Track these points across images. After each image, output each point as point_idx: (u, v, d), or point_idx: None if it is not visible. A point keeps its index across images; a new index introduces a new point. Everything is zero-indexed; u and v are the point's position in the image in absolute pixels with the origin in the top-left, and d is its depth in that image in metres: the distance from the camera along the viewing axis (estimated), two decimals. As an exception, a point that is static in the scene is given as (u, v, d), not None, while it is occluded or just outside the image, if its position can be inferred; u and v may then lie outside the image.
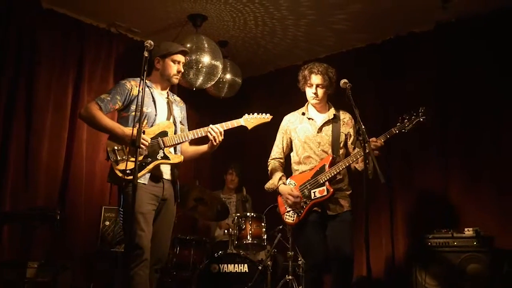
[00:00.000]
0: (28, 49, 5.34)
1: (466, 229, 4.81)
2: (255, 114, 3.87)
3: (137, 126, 3.22)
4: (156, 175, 3.64)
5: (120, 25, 6.12)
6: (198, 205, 5.36)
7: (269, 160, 4.38)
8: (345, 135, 4.18)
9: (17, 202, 4.99)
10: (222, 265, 4.95)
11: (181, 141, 3.72)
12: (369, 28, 6.01)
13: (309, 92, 4.14)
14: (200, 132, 3.72)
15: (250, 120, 3.83)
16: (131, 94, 3.68)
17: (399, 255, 5.52)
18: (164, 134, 3.66)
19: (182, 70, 3.87)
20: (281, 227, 5.32)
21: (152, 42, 3.44)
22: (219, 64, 5.85)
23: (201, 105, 7.00)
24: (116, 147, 3.57)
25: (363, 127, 3.52)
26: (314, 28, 6.06)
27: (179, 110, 3.98)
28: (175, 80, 3.86)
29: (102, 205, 5.43)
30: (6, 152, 5.08)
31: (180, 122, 3.95)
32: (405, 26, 5.91)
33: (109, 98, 3.65)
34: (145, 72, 3.33)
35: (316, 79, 4.09)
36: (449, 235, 4.82)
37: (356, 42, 6.39)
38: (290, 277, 4.91)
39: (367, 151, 3.48)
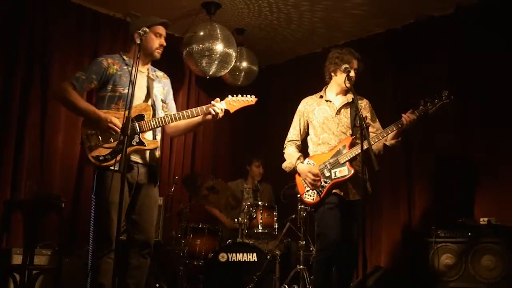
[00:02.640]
0: (41, 40, 5.40)
1: (481, 219, 4.66)
2: (239, 96, 3.70)
3: (126, 112, 3.06)
4: (131, 161, 3.49)
5: (135, 15, 6.12)
6: (209, 194, 5.36)
7: (285, 142, 4.35)
8: (354, 118, 4.11)
9: (32, 191, 5.06)
10: (231, 254, 4.94)
11: (158, 125, 3.55)
12: (387, 13, 5.84)
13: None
14: (182, 114, 3.56)
15: (232, 103, 3.67)
16: (108, 73, 3.54)
17: (414, 245, 5.37)
18: (140, 117, 3.50)
19: (165, 44, 3.69)
20: (293, 216, 5.29)
21: (146, 29, 3.37)
22: (232, 52, 5.81)
23: (220, 94, 6.98)
24: (90, 132, 3.45)
25: (360, 113, 3.47)
26: (330, 14, 5.93)
27: (161, 87, 3.81)
28: (158, 54, 3.67)
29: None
30: (22, 141, 5.16)
31: (162, 100, 3.78)
32: (424, 9, 5.71)
33: (84, 77, 3.51)
34: (138, 60, 3.22)
35: (356, 64, 4.08)
36: (463, 224, 4.69)
37: (375, 27, 6.22)
38: (301, 266, 4.89)
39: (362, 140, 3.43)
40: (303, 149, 4.33)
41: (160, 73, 3.89)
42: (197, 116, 3.61)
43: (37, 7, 5.39)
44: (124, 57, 3.70)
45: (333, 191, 3.95)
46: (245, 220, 5.23)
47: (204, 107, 3.60)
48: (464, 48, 5.46)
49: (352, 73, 4.01)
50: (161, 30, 3.68)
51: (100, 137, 3.43)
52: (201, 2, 5.81)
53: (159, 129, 3.69)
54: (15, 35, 5.24)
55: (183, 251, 5.22)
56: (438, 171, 5.50)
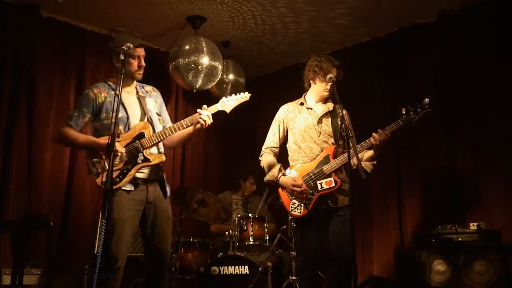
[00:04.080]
0: (27, 58, 5.40)
1: (471, 224, 4.68)
2: (233, 95, 3.77)
3: (113, 131, 3.15)
4: (138, 178, 3.57)
5: (121, 31, 6.13)
6: (200, 207, 5.34)
7: (263, 149, 4.23)
8: (340, 127, 4.07)
9: (20, 210, 5.03)
10: (223, 267, 4.90)
11: (160, 139, 3.61)
12: (371, 22, 5.90)
13: (326, 85, 4.02)
14: (177, 126, 3.62)
15: (227, 103, 3.72)
16: (98, 102, 3.61)
17: (407, 252, 5.39)
18: (141, 136, 3.58)
19: (144, 65, 3.70)
20: (284, 227, 5.28)
21: (130, 45, 3.40)
22: (218, 65, 5.82)
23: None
24: (94, 160, 3.52)
25: (346, 122, 3.48)
26: (315, 25, 5.98)
27: (153, 101, 3.85)
28: (138, 76, 3.70)
29: (101, 211, 5.38)
30: (9, 161, 5.14)
31: (157, 113, 3.83)
32: (407, 17, 5.77)
33: (77, 114, 3.60)
34: (122, 75, 3.27)
35: (335, 72, 4.00)
36: (453, 230, 4.69)
37: (360, 36, 6.28)
38: (293, 277, 4.84)
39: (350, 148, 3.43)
40: (280, 156, 4.23)
41: (149, 88, 3.93)
42: (187, 127, 3.65)
43: (22, 28, 5.39)
44: (109, 82, 3.73)
45: (319, 206, 3.89)
46: (236, 233, 5.21)
47: (191, 117, 3.64)
48: (448, 53, 5.52)
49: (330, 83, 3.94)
50: (138, 51, 3.66)
51: (106, 162, 3.45)
52: (186, 16, 5.84)
53: (161, 143, 3.76)
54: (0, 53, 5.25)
55: (174, 265, 5.17)
56: (426, 178, 5.52)
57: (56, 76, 5.66)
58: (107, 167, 3.39)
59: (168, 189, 3.78)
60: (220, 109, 3.71)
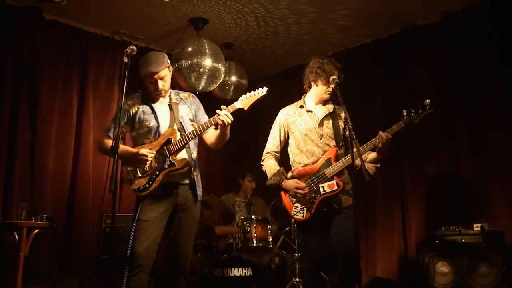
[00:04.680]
0: (29, 60, 5.43)
1: (475, 225, 4.67)
2: (251, 92, 3.73)
3: (117, 133, 3.15)
4: (167, 183, 3.63)
5: (123, 33, 6.17)
6: (203, 209, 5.33)
7: (264, 154, 4.17)
8: (343, 129, 4.05)
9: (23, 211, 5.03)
10: (226, 269, 4.90)
11: (184, 143, 3.65)
12: (373, 24, 5.91)
13: (327, 88, 4.00)
14: (199, 129, 3.64)
15: (245, 101, 3.68)
16: (132, 113, 3.72)
17: (410, 254, 5.38)
18: (168, 142, 3.64)
19: (161, 87, 3.73)
20: (287, 228, 5.28)
21: (134, 48, 3.39)
22: (221, 66, 5.82)
23: (211, 109, 7.00)
24: (129, 168, 3.64)
25: (350, 124, 3.46)
26: (317, 26, 5.98)
27: (187, 107, 3.88)
28: (159, 95, 3.78)
29: (105, 213, 5.35)
30: (12, 162, 5.16)
31: (190, 119, 3.86)
32: (409, 19, 5.78)
33: (114, 125, 3.69)
34: (125, 78, 3.26)
35: (337, 74, 3.94)
36: (457, 232, 4.69)
37: (362, 38, 6.29)
38: (297, 279, 4.84)
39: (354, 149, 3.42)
40: (282, 159, 4.18)
41: (184, 94, 3.99)
42: (207, 128, 3.68)
43: (24, 30, 5.42)
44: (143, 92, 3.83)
45: (322, 209, 3.85)
46: (239, 235, 5.21)
47: (211, 118, 3.65)
48: (450, 55, 5.51)
49: (333, 85, 3.91)
50: (155, 77, 3.70)
51: (137, 170, 3.62)
52: (188, 18, 5.85)
53: (194, 147, 3.83)
54: (1, 53, 5.27)
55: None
56: (429, 180, 5.51)
57: (59, 78, 5.69)
58: (139, 175, 3.61)
59: (199, 192, 3.80)
60: (238, 107, 3.67)
